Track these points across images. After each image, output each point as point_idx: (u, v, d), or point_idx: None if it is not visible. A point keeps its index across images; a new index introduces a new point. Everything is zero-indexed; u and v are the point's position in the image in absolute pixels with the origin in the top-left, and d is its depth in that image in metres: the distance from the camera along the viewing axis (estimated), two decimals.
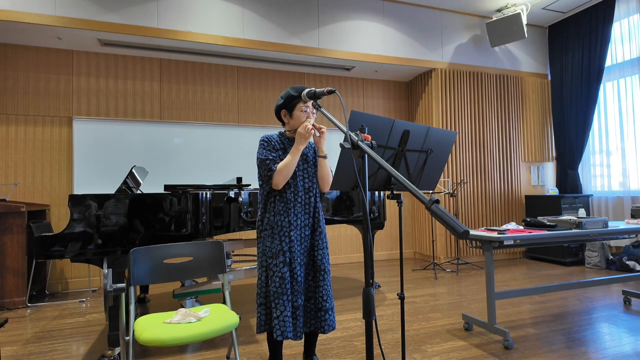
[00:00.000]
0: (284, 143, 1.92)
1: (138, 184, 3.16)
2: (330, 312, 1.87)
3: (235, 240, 3.48)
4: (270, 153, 1.85)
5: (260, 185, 1.94)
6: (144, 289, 3.70)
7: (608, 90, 5.25)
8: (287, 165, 1.80)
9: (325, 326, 1.85)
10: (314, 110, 1.89)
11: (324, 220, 2.02)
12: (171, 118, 4.68)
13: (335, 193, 3.47)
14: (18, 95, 4.15)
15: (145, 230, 2.44)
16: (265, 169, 1.82)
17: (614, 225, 2.98)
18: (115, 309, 2.33)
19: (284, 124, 1.96)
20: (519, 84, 5.78)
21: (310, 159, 1.96)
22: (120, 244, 2.37)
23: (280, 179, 1.81)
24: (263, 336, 2.69)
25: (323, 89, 1.54)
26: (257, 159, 1.86)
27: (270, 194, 1.90)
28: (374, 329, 2.60)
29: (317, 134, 1.87)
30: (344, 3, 4.81)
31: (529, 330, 2.71)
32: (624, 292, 3.29)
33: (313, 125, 1.82)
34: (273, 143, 1.89)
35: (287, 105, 1.88)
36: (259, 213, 1.95)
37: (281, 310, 1.77)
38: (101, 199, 2.35)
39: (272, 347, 1.94)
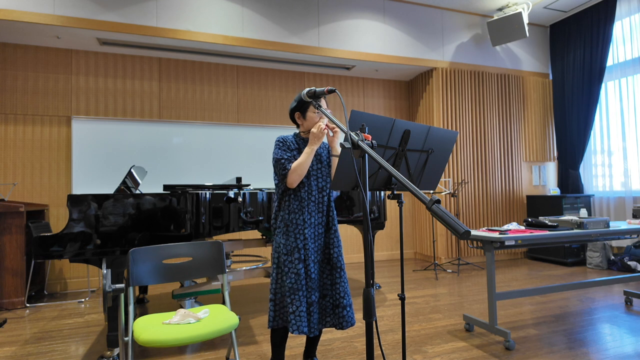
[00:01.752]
0: (299, 144, 1.97)
1: (137, 184, 3.14)
2: (348, 309, 1.90)
3: (235, 240, 3.46)
4: (285, 153, 1.90)
5: (276, 185, 1.98)
6: (143, 290, 3.69)
7: (610, 90, 5.23)
8: (301, 164, 1.84)
9: (343, 322, 1.88)
10: (328, 111, 1.92)
11: (337, 219, 2.07)
12: (170, 117, 4.66)
13: (335, 193, 3.46)
14: (17, 94, 4.14)
15: (144, 231, 2.43)
16: (280, 168, 1.88)
17: (615, 225, 2.97)
18: (114, 309, 2.31)
19: (297, 126, 2.00)
20: (520, 83, 5.76)
21: (324, 159, 2.01)
22: (119, 244, 2.36)
23: (294, 178, 1.85)
24: (262, 337, 2.68)
25: (323, 88, 1.53)
26: (273, 158, 1.92)
27: (285, 192, 1.94)
28: (375, 329, 2.58)
29: (331, 134, 1.90)
30: (344, 2, 4.80)
31: (530, 330, 2.69)
32: (625, 293, 3.28)
33: (326, 125, 1.86)
34: (288, 143, 1.94)
35: (301, 107, 1.93)
36: (274, 211, 2.00)
37: (297, 306, 1.80)
38: (100, 199, 2.34)
39: (275, 345, 1.94)
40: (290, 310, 1.81)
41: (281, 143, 1.92)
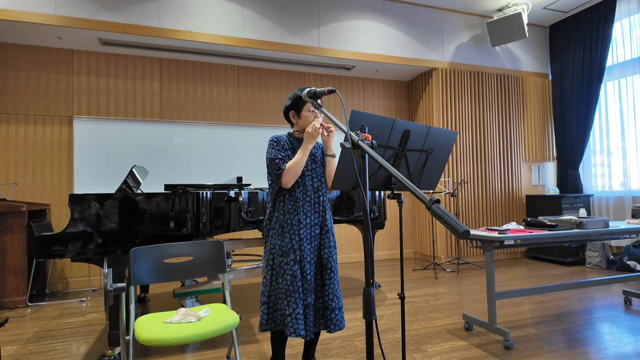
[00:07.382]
0: (293, 143, 1.95)
1: (138, 184, 3.16)
2: (337, 312, 1.87)
3: (235, 239, 3.48)
4: (279, 152, 1.87)
5: (269, 185, 1.96)
6: (144, 289, 3.70)
7: (609, 90, 5.24)
8: (296, 163, 1.82)
9: (331, 325, 1.86)
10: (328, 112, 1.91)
11: (332, 220, 2.03)
12: (171, 117, 4.68)
13: (335, 193, 3.47)
14: (18, 94, 4.15)
15: (145, 230, 2.44)
16: (275, 168, 1.84)
17: (614, 225, 2.98)
18: (115, 308, 2.33)
19: (292, 125, 1.98)
20: (520, 83, 5.77)
21: (319, 159, 1.99)
22: (121, 244, 2.37)
23: (289, 178, 1.82)
24: (263, 336, 2.69)
25: (323, 88, 1.54)
26: (267, 158, 1.89)
27: (280, 193, 1.92)
28: (375, 328, 2.60)
29: (326, 134, 1.88)
30: (344, 2, 4.81)
31: (529, 330, 2.70)
32: (624, 292, 3.29)
33: (321, 124, 1.84)
34: (282, 143, 1.91)
35: (296, 106, 1.91)
36: (267, 212, 1.96)
37: (293, 308, 1.78)
38: (101, 198, 2.35)
39: (275, 346, 1.94)
40: (287, 312, 1.78)
41: (275, 142, 1.89)
